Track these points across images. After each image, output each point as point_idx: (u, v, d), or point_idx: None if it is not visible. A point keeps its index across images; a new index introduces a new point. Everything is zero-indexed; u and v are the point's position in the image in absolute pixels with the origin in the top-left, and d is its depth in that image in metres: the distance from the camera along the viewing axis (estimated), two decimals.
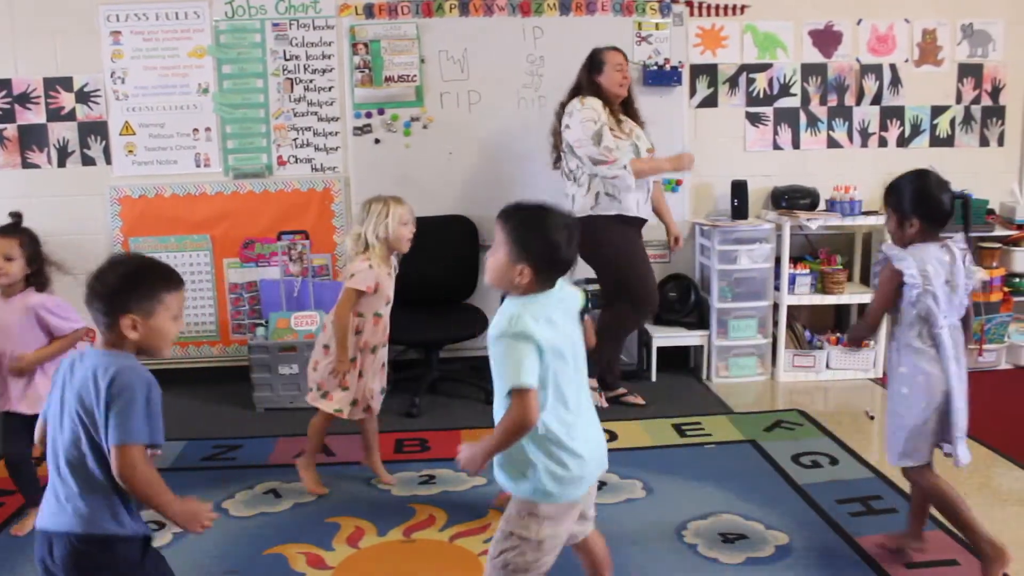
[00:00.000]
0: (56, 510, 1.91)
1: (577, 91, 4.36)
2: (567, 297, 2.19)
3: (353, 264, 3.36)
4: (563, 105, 4.39)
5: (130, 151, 4.92)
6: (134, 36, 4.84)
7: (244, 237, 4.97)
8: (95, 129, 4.90)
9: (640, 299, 4.42)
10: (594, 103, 4.27)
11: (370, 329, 3.42)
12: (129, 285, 1.93)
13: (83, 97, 4.87)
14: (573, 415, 2.11)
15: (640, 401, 4.55)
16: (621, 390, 4.58)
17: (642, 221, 4.43)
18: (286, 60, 4.92)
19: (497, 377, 2.05)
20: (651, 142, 4.42)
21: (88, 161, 4.91)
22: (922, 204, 2.66)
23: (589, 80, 4.35)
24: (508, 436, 2.03)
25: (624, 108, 4.43)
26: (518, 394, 1.98)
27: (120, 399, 1.83)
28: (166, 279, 1.99)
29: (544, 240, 2.07)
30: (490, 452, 2.07)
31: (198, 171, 4.96)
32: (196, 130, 4.93)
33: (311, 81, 4.94)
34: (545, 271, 2.09)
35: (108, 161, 4.92)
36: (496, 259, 2.12)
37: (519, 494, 2.14)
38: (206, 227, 4.94)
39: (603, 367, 4.50)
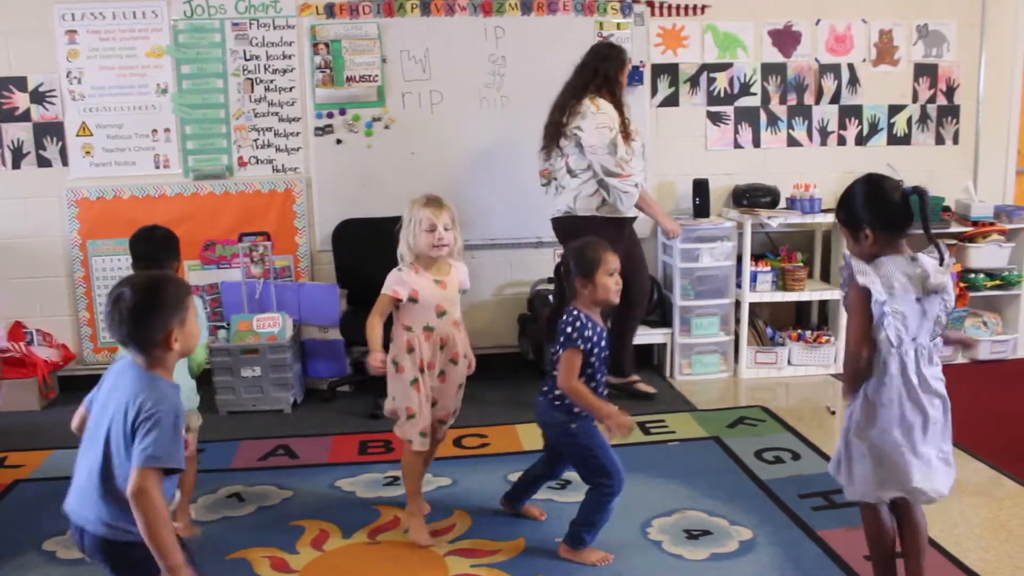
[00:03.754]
0: (83, 504, 2.01)
1: (586, 86, 4.24)
2: None
3: None
4: (568, 99, 4.26)
5: (87, 152, 4.85)
6: (90, 35, 4.77)
7: (205, 239, 4.92)
8: (51, 130, 4.82)
9: (637, 301, 4.51)
10: (608, 108, 4.19)
11: (422, 345, 3.04)
12: (163, 304, 1.99)
13: (38, 97, 4.79)
14: None
15: (651, 389, 4.63)
16: (634, 377, 4.63)
17: (635, 218, 4.48)
18: (246, 60, 4.87)
19: None
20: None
21: (44, 163, 4.83)
22: (874, 210, 2.39)
23: (616, 78, 4.26)
24: None
25: None
26: None
27: (149, 423, 1.90)
28: (182, 285, 2.08)
29: None
30: None
31: (157, 172, 4.90)
32: (155, 131, 4.87)
33: (272, 81, 4.90)
34: None
35: (65, 163, 4.84)
36: None
37: None
38: None
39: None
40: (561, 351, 2.80)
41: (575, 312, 2.81)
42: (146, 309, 1.97)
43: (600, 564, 2.90)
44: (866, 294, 2.35)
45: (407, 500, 3.18)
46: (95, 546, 2.01)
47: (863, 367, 2.39)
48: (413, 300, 3.00)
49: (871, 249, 2.40)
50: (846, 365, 2.45)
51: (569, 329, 2.79)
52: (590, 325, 2.80)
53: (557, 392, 2.85)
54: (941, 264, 2.37)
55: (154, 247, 3.10)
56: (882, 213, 2.39)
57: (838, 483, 2.55)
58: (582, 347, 2.77)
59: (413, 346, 3.02)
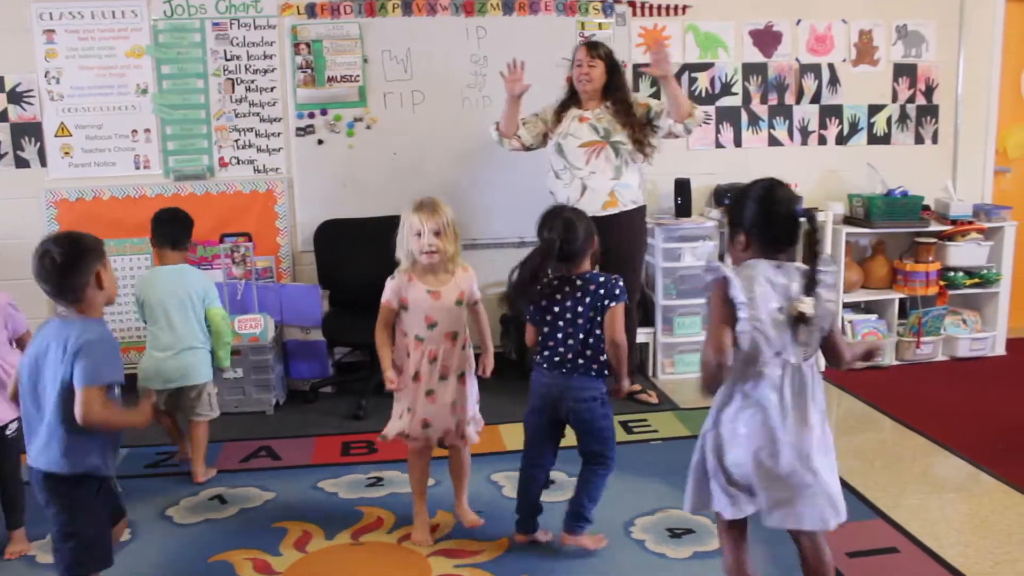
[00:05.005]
0: (46, 449, 2.29)
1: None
2: None
3: None
4: (628, 103, 4.36)
5: (66, 153, 4.81)
6: (69, 35, 4.73)
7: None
8: (29, 130, 4.78)
9: (634, 295, 4.52)
10: None
11: (412, 354, 2.99)
12: (88, 249, 2.32)
13: (15, 97, 4.75)
14: None
15: (653, 399, 4.62)
16: (636, 386, 4.61)
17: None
18: (227, 60, 4.85)
19: None
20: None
21: (22, 163, 4.79)
22: (757, 219, 2.26)
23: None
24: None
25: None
26: None
27: (80, 352, 2.23)
28: (95, 237, 2.39)
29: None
30: None
31: (137, 173, 4.87)
32: (135, 131, 4.85)
33: (252, 81, 4.88)
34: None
35: (43, 163, 4.80)
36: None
37: None
38: (146, 230, 4.80)
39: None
40: (613, 304, 2.85)
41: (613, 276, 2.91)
42: (74, 257, 2.29)
43: (599, 547, 2.97)
44: (724, 287, 2.19)
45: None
46: (50, 484, 2.31)
47: (719, 372, 2.18)
48: (404, 308, 2.98)
49: (743, 254, 2.29)
50: (704, 375, 2.21)
51: (620, 288, 2.87)
52: None
53: (603, 358, 2.88)
54: (808, 293, 2.16)
55: (175, 228, 3.67)
56: (764, 225, 2.25)
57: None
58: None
59: (410, 351, 2.99)
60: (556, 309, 2.90)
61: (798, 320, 2.15)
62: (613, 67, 4.36)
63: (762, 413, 2.20)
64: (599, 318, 2.86)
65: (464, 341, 3.04)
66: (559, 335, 2.89)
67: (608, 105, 4.35)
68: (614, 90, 4.36)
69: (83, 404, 2.21)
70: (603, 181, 4.36)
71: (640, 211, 4.48)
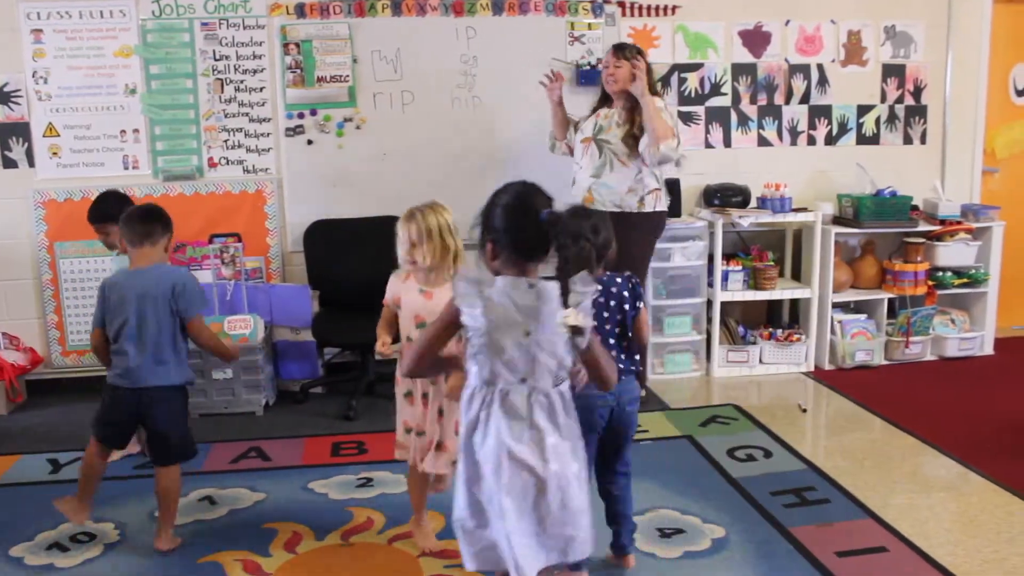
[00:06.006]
0: (153, 368, 3.00)
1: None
2: None
3: None
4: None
5: (55, 153, 4.79)
6: (56, 35, 4.71)
7: (175, 240, 4.84)
8: (17, 131, 4.75)
9: None
10: None
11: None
12: (161, 214, 3.18)
13: (3, 97, 4.72)
14: None
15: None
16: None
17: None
18: (216, 60, 4.83)
19: None
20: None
21: (9, 164, 4.76)
22: (503, 227, 2.06)
23: None
24: None
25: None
26: None
27: (185, 291, 3.04)
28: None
29: None
30: None
31: (126, 173, 4.85)
32: (124, 132, 4.82)
33: (242, 82, 4.87)
34: None
35: (31, 163, 4.78)
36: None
37: None
38: None
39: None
40: (640, 306, 2.78)
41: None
42: (153, 216, 3.13)
43: None
44: (456, 312, 2.07)
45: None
46: (157, 394, 3.01)
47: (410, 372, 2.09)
48: (398, 307, 2.95)
49: (492, 264, 2.10)
50: (401, 364, 2.07)
51: (641, 289, 2.82)
52: None
53: (637, 357, 2.83)
54: (565, 305, 1.97)
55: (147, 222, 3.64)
56: (512, 234, 2.06)
57: None
58: None
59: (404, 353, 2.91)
60: None
61: (574, 333, 1.98)
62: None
63: (500, 439, 2.05)
64: (625, 320, 2.76)
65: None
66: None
67: (625, 105, 4.34)
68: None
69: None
70: (583, 177, 4.39)
71: (624, 217, 4.23)
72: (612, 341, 2.77)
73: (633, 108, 4.29)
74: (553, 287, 2.00)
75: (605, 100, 4.46)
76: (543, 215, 2.01)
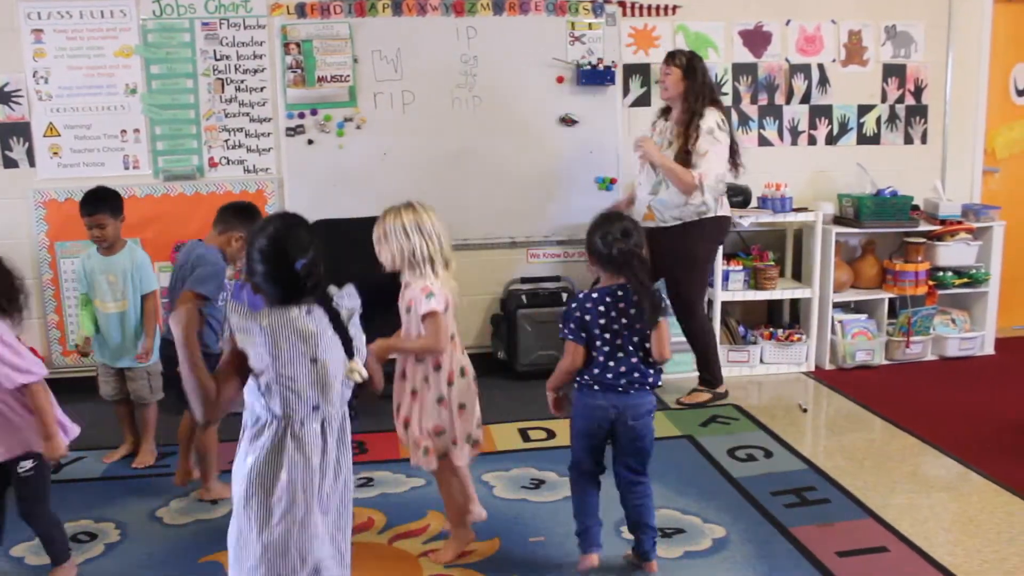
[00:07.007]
0: None
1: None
2: None
3: None
4: (695, 114, 4.27)
5: (55, 153, 4.79)
6: (57, 35, 4.70)
7: (175, 240, 4.86)
8: (17, 130, 4.75)
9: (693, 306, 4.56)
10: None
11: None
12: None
13: (4, 97, 4.72)
14: None
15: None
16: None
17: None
18: (216, 60, 4.83)
19: None
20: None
21: (10, 163, 4.76)
22: (260, 267, 2.05)
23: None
24: None
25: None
26: None
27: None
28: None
29: None
30: None
31: (127, 173, 4.85)
32: (124, 131, 4.82)
33: (242, 81, 4.87)
34: None
35: (32, 163, 4.77)
36: None
37: None
38: (136, 230, 4.81)
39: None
40: (660, 319, 2.74)
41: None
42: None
43: None
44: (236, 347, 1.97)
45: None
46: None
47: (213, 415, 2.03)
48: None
49: (255, 297, 2.05)
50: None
51: (665, 300, 2.82)
52: None
53: (658, 368, 2.79)
54: (349, 354, 2.05)
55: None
56: (269, 275, 2.02)
57: None
58: None
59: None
60: (602, 323, 2.74)
61: (360, 386, 2.03)
62: (690, 72, 4.28)
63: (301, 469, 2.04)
64: (647, 330, 2.74)
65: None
66: (617, 352, 2.75)
67: (680, 118, 4.32)
68: (688, 96, 4.28)
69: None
70: (642, 195, 4.46)
71: (688, 226, 4.33)
72: (631, 349, 2.74)
73: (689, 121, 4.27)
74: (323, 314, 2.03)
75: (667, 108, 4.48)
76: (298, 264, 2.00)
